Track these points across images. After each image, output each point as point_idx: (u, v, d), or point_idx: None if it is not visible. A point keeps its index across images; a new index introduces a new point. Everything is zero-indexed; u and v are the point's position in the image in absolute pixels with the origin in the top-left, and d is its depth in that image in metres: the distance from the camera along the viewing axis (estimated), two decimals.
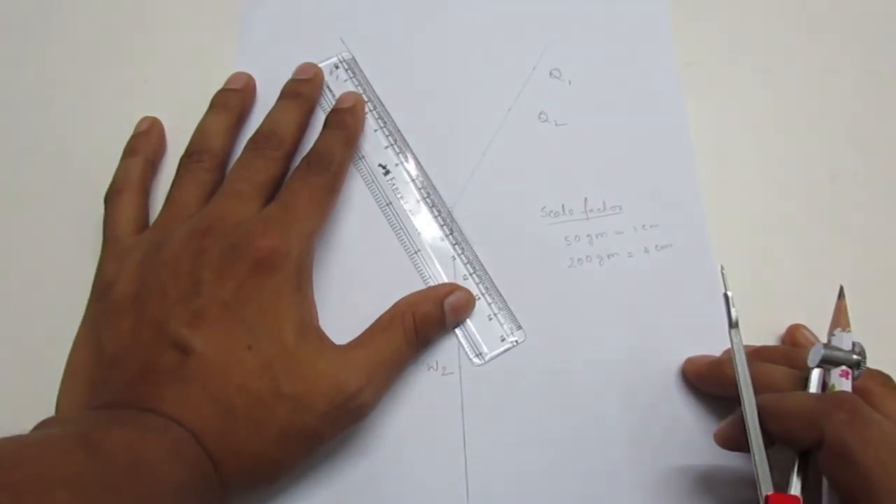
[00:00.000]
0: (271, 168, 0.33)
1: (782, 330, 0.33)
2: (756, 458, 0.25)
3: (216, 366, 0.27)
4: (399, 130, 0.36)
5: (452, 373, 0.32)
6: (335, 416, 0.28)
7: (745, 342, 0.28)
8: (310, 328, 0.29)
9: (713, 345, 0.32)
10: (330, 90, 0.37)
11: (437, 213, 0.35)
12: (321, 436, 0.28)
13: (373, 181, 0.35)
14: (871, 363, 0.27)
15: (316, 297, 0.31)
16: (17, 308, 0.34)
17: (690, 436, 0.31)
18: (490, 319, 0.33)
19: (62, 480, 0.22)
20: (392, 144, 0.36)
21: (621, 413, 0.31)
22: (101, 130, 0.36)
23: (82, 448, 0.23)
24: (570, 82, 0.37)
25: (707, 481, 0.30)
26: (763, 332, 0.33)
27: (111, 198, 0.34)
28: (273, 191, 0.32)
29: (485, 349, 0.32)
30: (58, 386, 0.30)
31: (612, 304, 0.33)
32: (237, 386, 0.27)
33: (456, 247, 0.34)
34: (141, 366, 0.27)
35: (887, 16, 0.39)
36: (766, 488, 0.25)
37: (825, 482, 0.25)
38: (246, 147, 0.33)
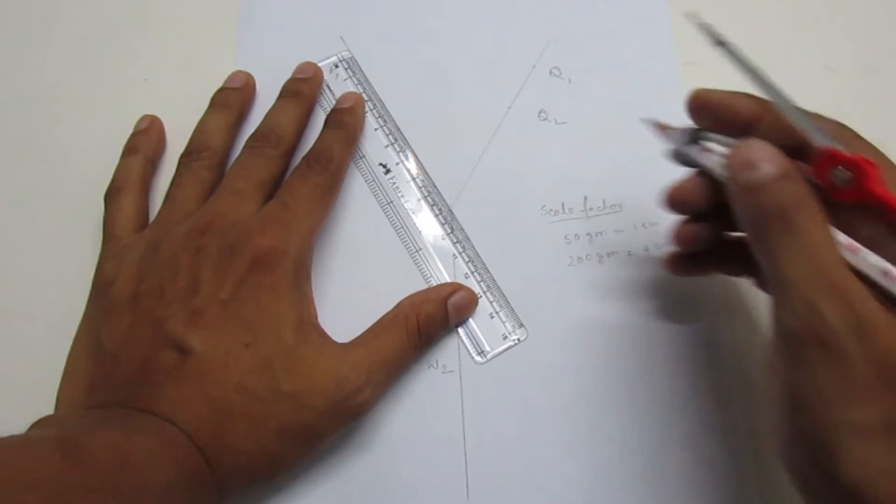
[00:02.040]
0: (270, 166, 0.33)
1: None
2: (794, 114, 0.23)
3: (214, 364, 0.27)
4: (399, 129, 0.36)
5: (452, 371, 0.32)
6: (334, 413, 0.28)
7: None
8: (309, 326, 0.29)
9: (713, 341, 0.32)
10: (330, 89, 0.37)
11: (437, 212, 0.35)
12: (320, 433, 0.28)
13: (373, 180, 0.35)
14: None
15: (317, 297, 0.31)
16: (17, 308, 0.34)
17: (693, 432, 0.31)
18: (492, 317, 0.33)
19: (33, 483, 0.22)
20: (392, 143, 0.36)
21: (622, 410, 0.31)
22: (101, 130, 0.37)
23: (60, 451, 0.23)
24: (570, 80, 0.37)
25: (709, 478, 0.30)
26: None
27: (111, 196, 0.34)
28: (272, 189, 0.32)
29: (487, 347, 0.32)
30: (58, 385, 0.30)
31: (612, 303, 0.33)
32: (235, 384, 0.27)
33: (457, 245, 0.34)
34: (139, 365, 0.27)
35: (887, 13, 0.39)
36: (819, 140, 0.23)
37: None
38: (245, 145, 0.33)
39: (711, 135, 0.26)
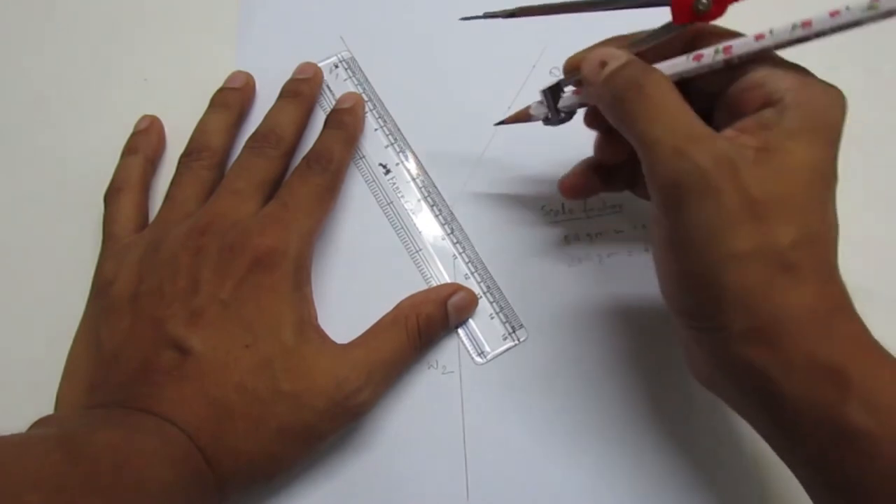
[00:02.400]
0: (270, 167, 0.33)
1: None
2: None
3: (214, 365, 0.27)
4: (399, 129, 0.36)
5: (452, 371, 0.32)
6: (334, 413, 0.28)
7: None
8: (309, 326, 0.29)
9: None
10: (330, 89, 0.37)
11: (437, 212, 0.35)
12: (320, 433, 0.28)
13: (374, 180, 0.35)
14: None
15: (317, 297, 0.31)
16: (18, 307, 0.34)
17: (694, 432, 0.31)
18: (492, 318, 0.33)
19: (35, 482, 0.22)
20: (392, 144, 0.36)
21: (622, 411, 0.31)
22: (101, 130, 0.36)
23: (61, 450, 0.23)
24: None
25: (710, 478, 0.30)
26: None
27: (111, 196, 0.34)
28: (272, 189, 0.32)
29: (487, 348, 0.32)
30: (58, 385, 0.30)
31: (612, 303, 0.33)
32: (235, 384, 0.27)
33: (457, 245, 0.34)
34: (138, 365, 0.27)
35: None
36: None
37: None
38: (245, 146, 0.33)
39: (565, 83, 0.29)
